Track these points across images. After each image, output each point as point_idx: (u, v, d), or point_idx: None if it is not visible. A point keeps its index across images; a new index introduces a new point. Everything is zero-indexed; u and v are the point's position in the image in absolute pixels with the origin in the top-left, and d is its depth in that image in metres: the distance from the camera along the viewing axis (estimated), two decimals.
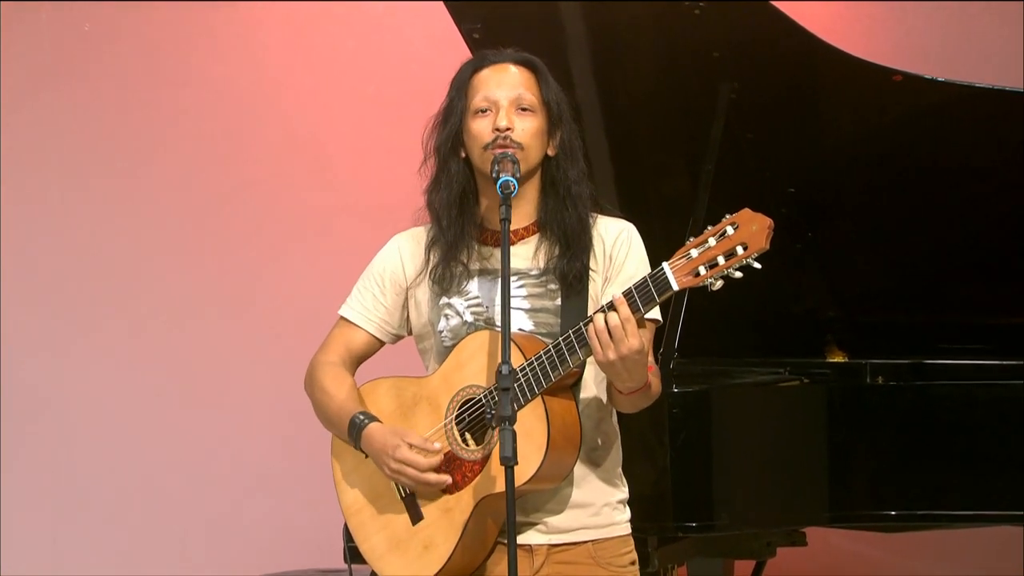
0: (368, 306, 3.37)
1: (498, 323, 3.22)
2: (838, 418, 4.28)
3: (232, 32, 6.01)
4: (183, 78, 5.96)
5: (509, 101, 3.22)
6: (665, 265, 3.03)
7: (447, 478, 3.16)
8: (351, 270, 3.44)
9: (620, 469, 3.32)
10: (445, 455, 3.18)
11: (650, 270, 3.25)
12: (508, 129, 3.20)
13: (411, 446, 3.17)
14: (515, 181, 3.13)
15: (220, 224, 5.94)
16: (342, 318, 3.40)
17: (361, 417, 3.23)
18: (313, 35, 6.03)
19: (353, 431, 3.24)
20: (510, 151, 3.18)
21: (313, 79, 6.01)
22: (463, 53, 4.40)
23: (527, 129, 3.22)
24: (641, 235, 3.33)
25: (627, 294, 3.06)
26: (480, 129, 3.23)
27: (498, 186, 3.14)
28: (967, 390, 4.32)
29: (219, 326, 5.86)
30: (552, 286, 3.26)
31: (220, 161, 5.97)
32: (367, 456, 3.26)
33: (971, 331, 4.70)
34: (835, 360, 4.72)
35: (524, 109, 3.22)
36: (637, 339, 3.03)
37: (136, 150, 5.94)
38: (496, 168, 3.16)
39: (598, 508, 3.25)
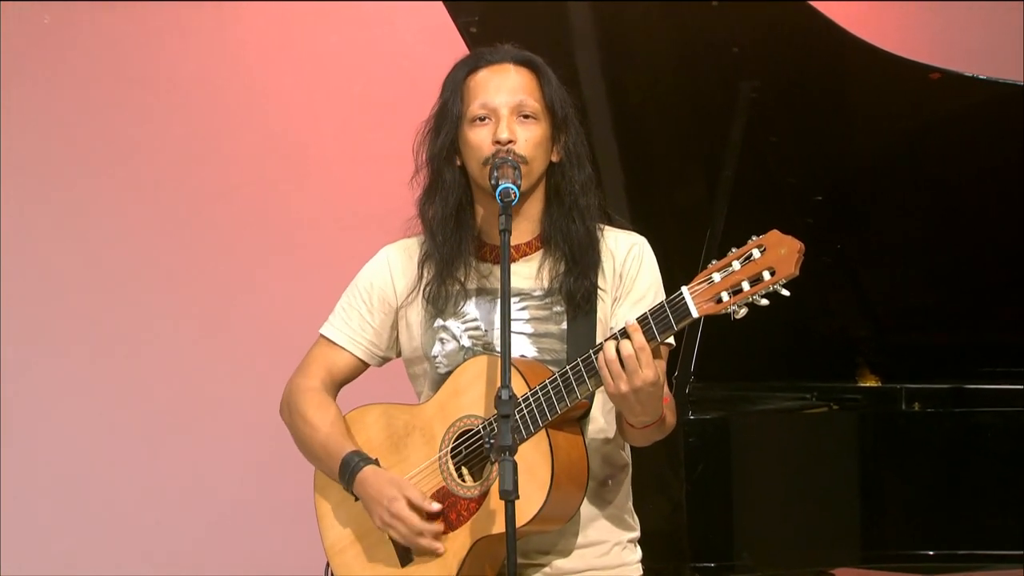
0: (353, 326, 3.37)
1: (499, 347, 3.22)
2: (870, 448, 4.30)
3: (204, 27, 6.01)
4: (149, 78, 5.96)
5: (510, 108, 3.22)
6: (684, 290, 3.03)
7: (440, 546, 3.16)
8: (335, 285, 3.45)
9: (631, 504, 3.33)
10: (439, 490, 3.19)
11: (662, 288, 3.29)
12: (510, 141, 3.20)
13: (410, 502, 3.17)
14: (516, 188, 3.13)
15: (191, 237, 5.95)
16: (323, 338, 3.39)
17: (356, 459, 3.23)
18: (293, 30, 6.04)
19: (346, 472, 3.23)
20: (511, 160, 3.18)
21: (294, 78, 6.02)
22: (459, 49, 4.43)
23: (530, 139, 3.22)
24: (653, 248, 3.34)
25: (642, 320, 3.06)
26: (479, 140, 3.22)
27: (497, 194, 3.13)
28: (1013, 418, 4.33)
29: (194, 345, 5.88)
30: (557, 308, 3.26)
31: (191, 168, 5.98)
32: (357, 499, 3.25)
33: (1017, 353, 4.72)
34: (867, 384, 4.73)
35: (526, 116, 3.22)
36: (652, 370, 3.04)
37: (99, 156, 5.94)
38: (495, 175, 3.16)
39: (607, 548, 3.26)
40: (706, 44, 4.54)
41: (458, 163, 3.28)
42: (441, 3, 4.58)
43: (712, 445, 4.15)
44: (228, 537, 5.72)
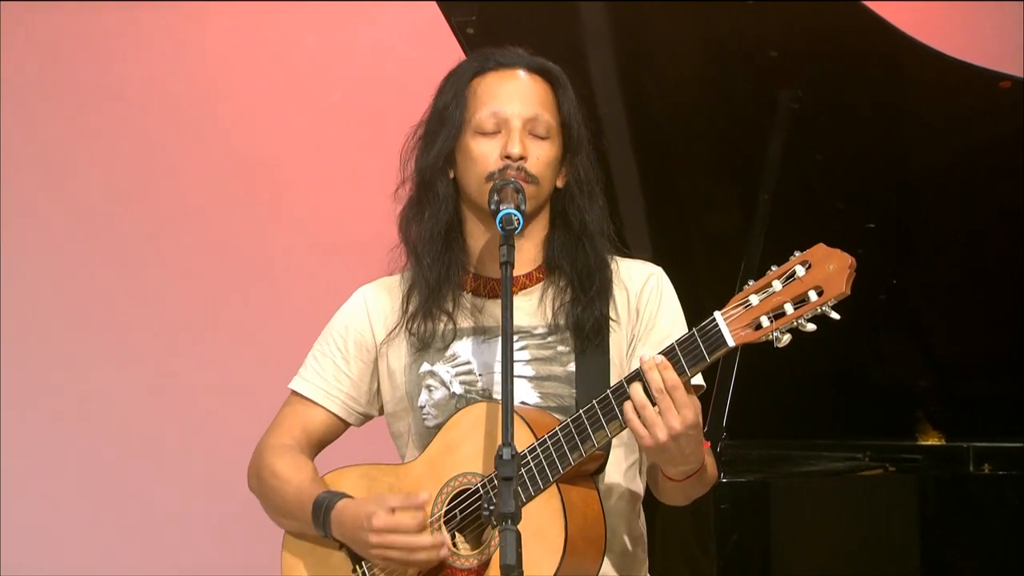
0: (327, 377, 3.38)
1: (496, 394, 3.24)
2: (933, 515, 4.30)
3: (158, 28, 6.04)
4: (96, 84, 6.00)
5: (523, 121, 3.24)
6: (718, 315, 3.03)
7: (445, 539, 3.15)
8: (311, 324, 3.48)
9: None
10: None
11: (684, 325, 3.30)
12: (522, 158, 3.22)
13: (392, 510, 3.15)
14: (519, 215, 3.14)
15: (145, 268, 5.98)
16: (294, 394, 3.41)
17: (328, 496, 3.23)
18: (263, 30, 6.06)
19: (319, 513, 3.23)
20: (517, 181, 3.19)
21: (264, 84, 6.05)
22: (453, 52, 4.47)
23: (542, 158, 3.24)
24: (678, 285, 3.36)
25: (669, 353, 3.06)
26: (483, 153, 3.24)
27: (498, 221, 3.14)
28: None
29: (138, 406, 5.95)
30: (562, 348, 3.28)
31: (145, 188, 6.00)
32: (341, 546, 3.25)
33: None
34: (929, 443, 4.74)
35: (539, 135, 3.24)
36: (691, 409, 3.04)
37: (37, 175, 5.97)
38: (495, 198, 3.17)
39: None
40: (739, 48, 4.58)
41: (451, 175, 3.30)
42: (433, 0, 4.62)
43: (748, 513, 4.15)
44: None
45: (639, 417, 3.04)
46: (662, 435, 3.04)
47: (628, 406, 3.06)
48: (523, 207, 3.17)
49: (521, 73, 3.27)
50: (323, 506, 3.22)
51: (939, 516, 4.33)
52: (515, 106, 3.24)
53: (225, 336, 5.96)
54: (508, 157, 3.21)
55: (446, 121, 3.26)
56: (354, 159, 5.84)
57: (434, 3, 4.61)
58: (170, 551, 5.88)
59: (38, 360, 5.92)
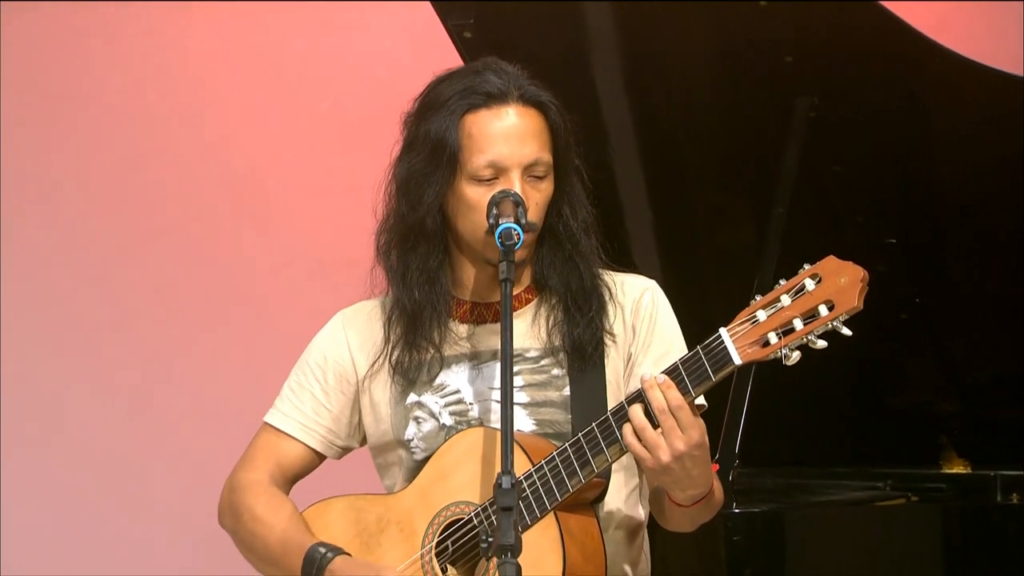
0: (305, 410, 3.39)
1: (490, 423, 3.25)
2: (958, 548, 4.31)
3: (135, 31, 6.05)
4: (66, 91, 6.00)
5: (522, 169, 3.24)
6: (723, 332, 3.05)
7: None
8: (295, 348, 3.48)
9: None
10: None
11: (683, 341, 3.31)
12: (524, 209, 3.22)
13: None
14: (520, 229, 3.17)
15: (121, 285, 5.99)
16: (269, 426, 3.42)
17: (322, 551, 3.23)
18: (246, 32, 6.07)
19: (311, 569, 3.24)
20: (517, 194, 3.19)
21: (247, 92, 6.05)
22: (449, 57, 4.47)
23: (540, 202, 3.26)
24: (692, 302, 3.41)
25: (672, 372, 3.08)
26: (481, 202, 3.23)
27: (497, 235, 3.17)
28: None
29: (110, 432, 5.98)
30: (556, 371, 3.30)
31: (120, 202, 6.00)
32: None
33: None
34: (954, 471, 4.74)
35: (538, 176, 3.25)
36: (697, 429, 3.05)
37: (6, 188, 5.98)
38: (494, 212, 3.20)
39: None
40: (752, 52, 4.58)
41: (441, 210, 3.29)
42: (428, 2, 4.62)
43: (762, 545, 4.15)
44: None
45: (639, 441, 3.05)
46: (665, 457, 3.05)
47: (628, 428, 3.07)
48: (523, 220, 3.19)
49: (515, 111, 3.26)
50: (316, 562, 3.24)
51: (964, 549, 4.34)
52: (513, 152, 3.24)
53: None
54: None
55: (438, 161, 3.26)
56: (344, 171, 5.84)
57: (429, 5, 4.61)
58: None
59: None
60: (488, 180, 3.24)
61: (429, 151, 3.28)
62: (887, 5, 4.42)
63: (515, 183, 3.23)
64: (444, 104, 3.28)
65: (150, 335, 6.00)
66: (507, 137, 3.25)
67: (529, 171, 3.25)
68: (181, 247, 6.00)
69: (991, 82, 4.49)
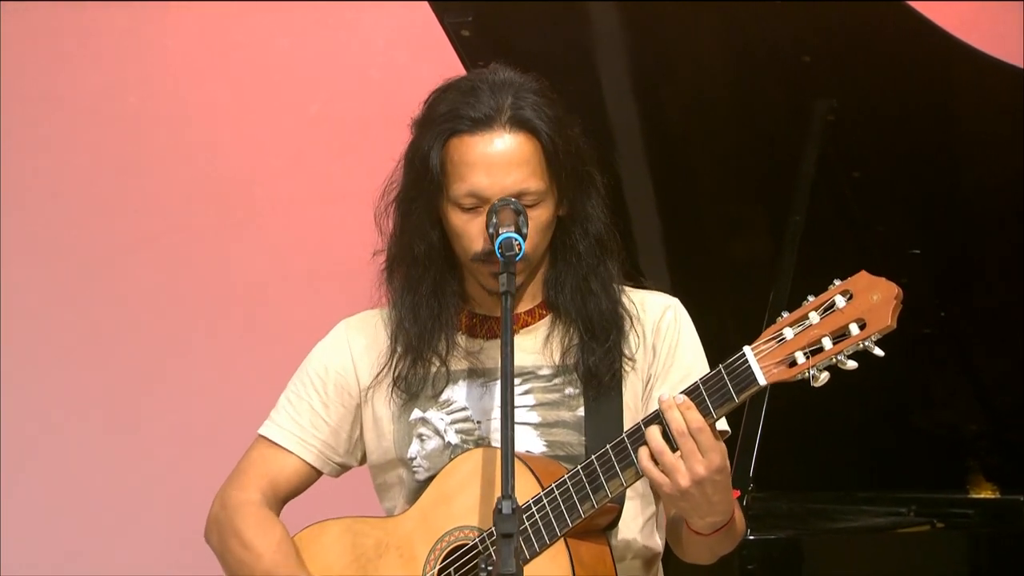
0: (303, 423, 3.39)
1: (496, 441, 3.23)
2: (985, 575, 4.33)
3: (115, 30, 6.05)
4: (39, 93, 6.01)
5: (509, 196, 3.19)
6: (747, 350, 3.04)
7: None
8: (287, 362, 3.48)
9: None
10: None
11: (705, 362, 3.31)
12: None
13: None
14: (520, 239, 3.15)
15: (102, 296, 6.00)
16: (263, 439, 3.41)
17: None
18: (229, 32, 6.07)
19: None
20: (517, 202, 3.19)
21: (231, 94, 6.05)
22: (447, 57, 4.48)
23: (532, 231, 3.20)
24: (703, 317, 3.36)
25: (693, 392, 3.07)
26: (466, 232, 3.23)
27: (497, 245, 3.16)
28: None
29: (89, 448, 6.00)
30: (570, 390, 3.29)
31: (98, 212, 6.01)
32: None
33: None
34: (981, 496, 4.74)
35: (527, 206, 3.21)
36: (718, 452, 3.04)
37: None
38: (493, 221, 3.19)
39: None
40: (768, 52, 4.59)
41: (438, 228, 3.29)
42: (424, 0, 4.63)
43: (777, 574, 4.16)
44: None
45: (655, 465, 3.04)
46: (684, 482, 3.04)
47: (644, 451, 3.06)
48: (525, 229, 3.19)
49: (501, 138, 3.23)
50: None
51: None
52: (495, 183, 3.21)
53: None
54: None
55: (422, 186, 3.25)
56: (335, 178, 5.85)
57: (425, 2, 4.62)
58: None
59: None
60: (471, 209, 3.23)
61: (415, 173, 3.28)
62: (911, 3, 4.43)
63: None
64: (431, 124, 3.28)
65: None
66: (489, 167, 3.23)
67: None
68: (162, 257, 6.01)
69: (1022, 83, 4.50)
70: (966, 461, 4.78)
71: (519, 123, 3.24)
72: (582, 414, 3.28)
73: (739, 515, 3.20)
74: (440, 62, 3.47)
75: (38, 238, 6.03)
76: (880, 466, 4.72)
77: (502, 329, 3.11)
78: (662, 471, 3.05)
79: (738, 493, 3.16)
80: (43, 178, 6.05)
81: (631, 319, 3.30)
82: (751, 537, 4.10)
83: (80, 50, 6.06)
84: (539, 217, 3.23)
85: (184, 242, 6.01)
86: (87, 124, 6.03)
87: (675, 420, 3.04)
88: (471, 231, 3.23)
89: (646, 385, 3.32)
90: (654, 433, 3.06)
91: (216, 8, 6.03)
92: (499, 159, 3.23)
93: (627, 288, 3.35)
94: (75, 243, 6.04)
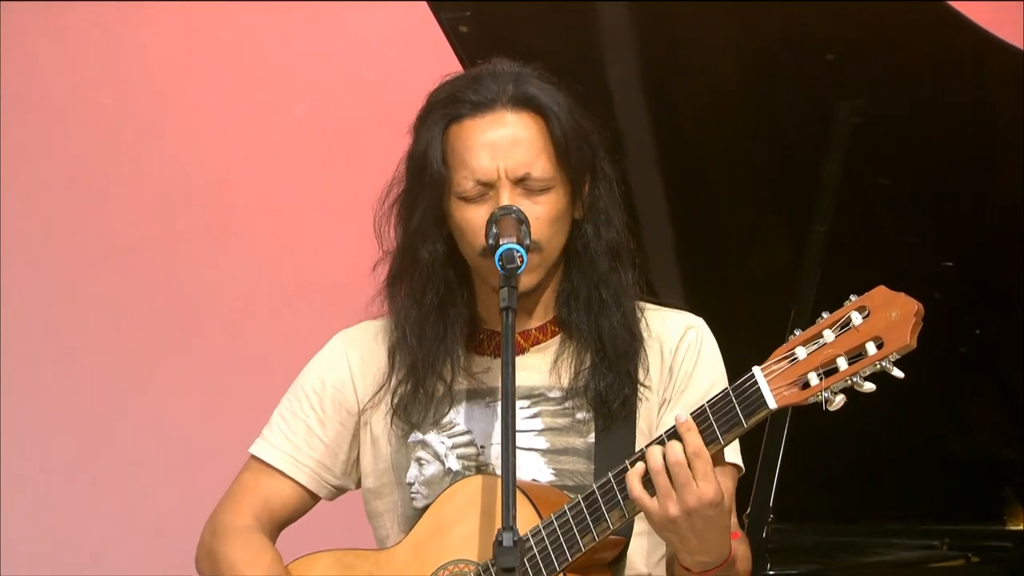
0: (297, 441, 3.39)
1: (499, 468, 3.19)
2: None
3: (87, 26, 6.06)
4: (12, 91, 6.03)
5: (512, 182, 3.21)
6: (756, 371, 3.04)
7: None
8: (278, 380, 3.48)
9: None
10: None
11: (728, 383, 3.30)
12: None
13: None
14: (523, 251, 3.14)
15: (78, 314, 6.01)
16: (255, 460, 3.42)
17: None
18: (212, 29, 6.08)
19: None
20: (520, 211, 3.18)
21: (213, 95, 6.06)
22: (443, 56, 4.47)
23: (542, 216, 3.22)
24: (719, 335, 3.36)
25: (698, 415, 3.06)
26: (471, 224, 3.23)
27: (497, 257, 3.15)
28: None
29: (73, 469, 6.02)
30: (581, 415, 3.28)
31: (72, 219, 6.01)
32: None
33: None
34: (1019, 527, 4.74)
35: (536, 191, 3.22)
36: (712, 484, 3.03)
37: None
38: (493, 231, 3.18)
39: None
40: (790, 51, 4.59)
41: (445, 232, 3.29)
42: None
43: None
44: None
45: (643, 487, 3.03)
46: (673, 510, 3.03)
47: (635, 470, 3.04)
48: (527, 241, 3.18)
49: (503, 117, 3.24)
50: None
51: None
52: (498, 163, 3.22)
53: (173, 392, 6.02)
54: None
55: (423, 183, 3.25)
56: (324, 184, 5.85)
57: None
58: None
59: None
60: (476, 199, 3.23)
61: (415, 170, 3.28)
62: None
63: (504, 200, 3.21)
64: (431, 112, 3.28)
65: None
66: (492, 147, 3.23)
67: (523, 184, 3.23)
68: (140, 267, 6.02)
69: None
70: (1003, 490, 4.76)
71: (523, 101, 3.25)
72: (592, 440, 3.27)
73: (743, 555, 3.19)
74: (437, 61, 3.47)
75: (8, 247, 6.04)
76: (911, 496, 4.70)
77: (503, 348, 3.10)
78: (650, 497, 3.03)
79: (738, 535, 3.12)
80: (14, 184, 6.04)
81: (650, 334, 3.29)
82: (771, 572, 4.10)
83: (53, 48, 6.06)
84: (551, 204, 3.23)
85: (163, 252, 6.01)
86: (62, 126, 6.03)
87: (673, 444, 3.03)
88: (476, 222, 3.22)
89: (660, 408, 3.32)
90: (654, 455, 3.04)
91: (197, 6, 6.02)
92: (502, 139, 3.23)
93: (648, 305, 3.34)
94: (45, 253, 6.05)
